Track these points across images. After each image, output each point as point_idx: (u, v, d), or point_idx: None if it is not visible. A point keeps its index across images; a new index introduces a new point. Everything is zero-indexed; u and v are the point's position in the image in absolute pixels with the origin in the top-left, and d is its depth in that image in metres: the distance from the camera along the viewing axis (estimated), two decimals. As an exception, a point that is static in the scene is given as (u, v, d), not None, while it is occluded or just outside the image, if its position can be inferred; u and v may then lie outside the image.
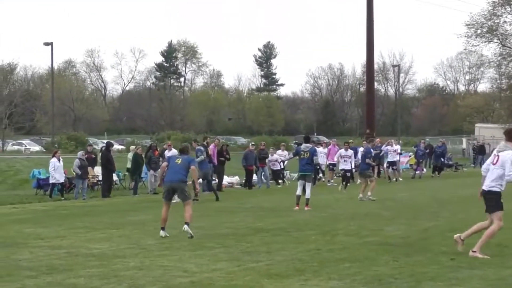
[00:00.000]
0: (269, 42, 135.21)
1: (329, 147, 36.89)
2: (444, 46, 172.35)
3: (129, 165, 31.78)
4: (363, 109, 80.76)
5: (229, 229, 16.94)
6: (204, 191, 27.07)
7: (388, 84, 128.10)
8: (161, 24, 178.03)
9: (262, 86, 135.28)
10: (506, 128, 14.22)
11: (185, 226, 15.45)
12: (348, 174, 31.96)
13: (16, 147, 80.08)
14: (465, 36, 66.61)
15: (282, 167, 35.17)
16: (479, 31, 66.54)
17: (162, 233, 15.57)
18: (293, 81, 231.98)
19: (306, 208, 21.47)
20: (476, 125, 77.43)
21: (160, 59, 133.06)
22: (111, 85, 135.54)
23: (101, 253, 13.46)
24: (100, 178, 30.44)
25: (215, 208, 22.44)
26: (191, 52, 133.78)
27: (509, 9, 66.92)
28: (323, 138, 76.15)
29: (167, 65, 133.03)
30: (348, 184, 30.94)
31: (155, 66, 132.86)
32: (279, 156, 34.59)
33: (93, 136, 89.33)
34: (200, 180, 15.52)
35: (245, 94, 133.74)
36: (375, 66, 77.24)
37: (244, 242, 14.64)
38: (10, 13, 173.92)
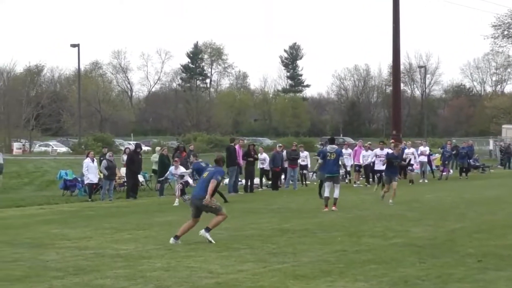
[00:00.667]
0: (295, 43, 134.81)
1: (355, 148, 36.82)
2: (471, 47, 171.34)
3: (154, 167, 31.83)
4: (389, 110, 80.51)
5: (255, 230, 16.96)
6: (229, 192, 27.03)
7: (415, 85, 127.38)
8: (187, 25, 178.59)
9: (288, 87, 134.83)
10: None
11: (203, 230, 14.57)
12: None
13: (43, 149, 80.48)
14: (491, 37, 66.30)
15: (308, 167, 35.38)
16: (506, 32, 66.25)
17: (172, 240, 14.63)
18: (319, 82, 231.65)
19: (333, 208, 21.47)
20: (503, 126, 76.80)
21: (186, 60, 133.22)
22: (137, 87, 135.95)
23: (128, 254, 13.52)
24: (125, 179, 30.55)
25: (241, 209, 22.45)
26: (217, 54, 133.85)
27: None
28: (349, 140, 75.94)
29: (193, 66, 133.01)
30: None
31: (181, 68, 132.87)
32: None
33: (119, 137, 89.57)
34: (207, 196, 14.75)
35: (270, 95, 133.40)
36: (401, 67, 76.85)
37: (270, 243, 14.64)
38: (38, 15, 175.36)
